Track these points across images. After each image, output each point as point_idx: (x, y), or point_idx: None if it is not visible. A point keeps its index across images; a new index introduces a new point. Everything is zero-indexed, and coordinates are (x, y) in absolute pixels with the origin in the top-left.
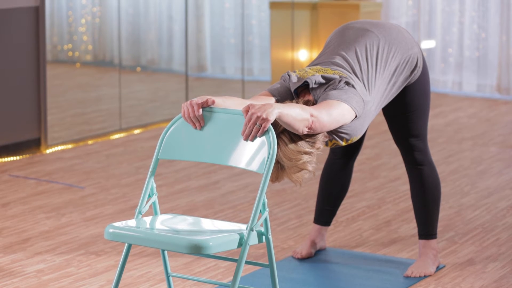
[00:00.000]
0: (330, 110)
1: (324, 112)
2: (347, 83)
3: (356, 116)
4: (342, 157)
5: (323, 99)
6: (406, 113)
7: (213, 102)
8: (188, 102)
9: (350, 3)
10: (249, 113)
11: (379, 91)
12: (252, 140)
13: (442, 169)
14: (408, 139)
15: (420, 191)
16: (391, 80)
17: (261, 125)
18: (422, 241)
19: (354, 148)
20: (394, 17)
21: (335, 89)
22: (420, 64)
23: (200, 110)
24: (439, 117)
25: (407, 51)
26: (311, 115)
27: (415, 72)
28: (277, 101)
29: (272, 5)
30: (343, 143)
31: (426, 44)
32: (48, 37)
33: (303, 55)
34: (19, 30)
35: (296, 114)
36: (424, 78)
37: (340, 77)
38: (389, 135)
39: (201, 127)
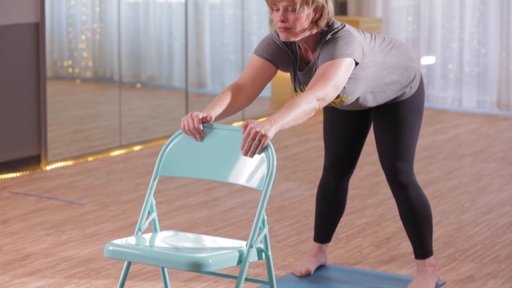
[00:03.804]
0: (335, 78)
1: (330, 86)
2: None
3: (357, 64)
4: (336, 176)
5: (327, 57)
6: (397, 130)
7: (211, 118)
8: (188, 115)
9: (350, 18)
10: (248, 128)
11: (374, 70)
12: (251, 156)
13: (442, 186)
14: (394, 161)
15: (408, 214)
16: (386, 69)
17: (260, 142)
18: (419, 260)
19: (348, 167)
20: (394, 33)
21: (338, 37)
22: (417, 80)
23: (201, 126)
24: (439, 133)
25: (408, 60)
26: (318, 99)
27: (411, 85)
28: (272, 63)
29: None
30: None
31: (426, 60)
32: (48, 53)
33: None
34: (19, 46)
35: (297, 117)
36: (419, 95)
37: (342, 23)
38: None
39: (202, 139)
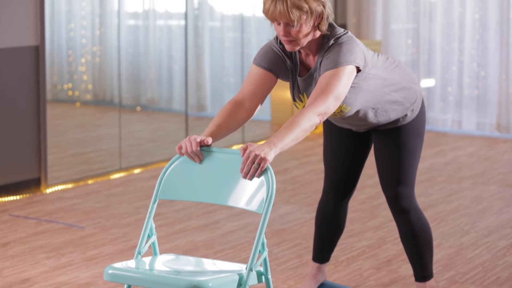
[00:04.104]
0: (336, 90)
1: (331, 99)
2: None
3: (359, 71)
4: (335, 199)
5: (329, 65)
6: (398, 155)
7: (209, 141)
8: (186, 138)
9: None
10: (247, 151)
11: (375, 84)
12: (251, 179)
13: (442, 208)
14: (396, 186)
15: (409, 237)
16: (389, 86)
17: (259, 165)
18: (420, 283)
19: (348, 190)
20: (393, 56)
21: (341, 43)
22: (419, 103)
23: (198, 148)
24: (438, 156)
25: (411, 82)
26: (319, 114)
27: (413, 107)
28: (271, 72)
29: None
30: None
31: (426, 83)
32: (48, 76)
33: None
34: (19, 69)
35: (297, 137)
36: (421, 119)
37: (344, 30)
38: None
39: (201, 161)
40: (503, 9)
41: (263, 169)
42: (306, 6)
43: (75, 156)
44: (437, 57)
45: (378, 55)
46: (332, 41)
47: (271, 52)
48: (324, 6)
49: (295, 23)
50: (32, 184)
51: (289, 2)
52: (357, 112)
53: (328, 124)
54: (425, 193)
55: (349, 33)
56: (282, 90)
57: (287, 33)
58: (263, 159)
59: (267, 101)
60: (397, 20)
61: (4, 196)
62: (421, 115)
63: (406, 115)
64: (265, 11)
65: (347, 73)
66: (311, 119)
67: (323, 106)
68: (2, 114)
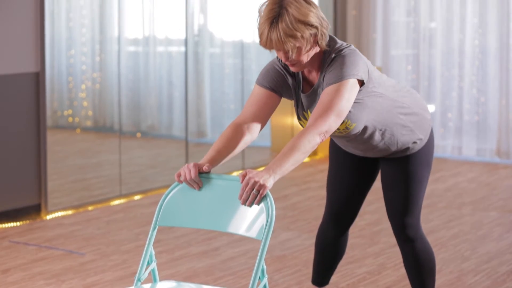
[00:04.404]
0: (337, 107)
1: (333, 117)
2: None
3: (363, 84)
4: (336, 226)
5: (331, 80)
6: (406, 185)
7: (208, 168)
8: (185, 165)
9: None
10: (246, 177)
11: (383, 103)
12: (250, 205)
13: (442, 234)
14: (403, 216)
15: (413, 265)
16: (398, 109)
17: (259, 192)
18: None
19: (349, 218)
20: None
21: (343, 55)
22: (428, 131)
23: (197, 175)
24: (439, 182)
25: (421, 108)
26: (320, 134)
27: (423, 136)
28: (274, 91)
29: None
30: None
31: None
32: (49, 102)
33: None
34: (20, 96)
35: (297, 160)
36: (430, 148)
37: (347, 43)
38: None
39: (200, 188)
40: (502, 36)
41: (262, 196)
42: (298, 34)
43: (75, 182)
44: (437, 83)
45: (387, 77)
46: (334, 54)
47: (273, 70)
48: (317, 26)
49: (290, 52)
50: (32, 210)
51: (282, 33)
52: (363, 132)
53: (334, 148)
54: (425, 219)
55: (352, 46)
56: (282, 116)
57: (287, 58)
58: (262, 186)
59: (267, 127)
60: (397, 46)
61: (4, 223)
62: (430, 144)
63: (415, 143)
64: (262, 44)
65: (349, 88)
66: (311, 140)
67: (324, 125)
68: (2, 140)
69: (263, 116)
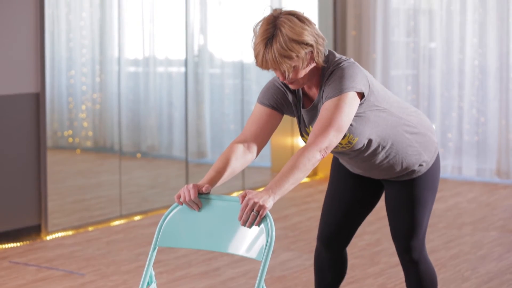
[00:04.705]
0: (337, 122)
1: (333, 132)
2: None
3: (363, 96)
4: (329, 248)
5: (331, 93)
6: (411, 208)
7: (208, 188)
8: (185, 186)
9: None
10: (246, 198)
11: (386, 119)
12: (250, 226)
13: (442, 255)
14: (408, 240)
15: (416, 287)
16: (403, 126)
17: (258, 212)
18: None
19: (345, 240)
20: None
21: (342, 68)
22: (435, 154)
23: (197, 196)
24: (439, 202)
25: (428, 130)
26: (320, 150)
27: (428, 158)
28: (275, 109)
29: None
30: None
31: None
32: (49, 123)
33: (302, 140)
34: (20, 116)
35: (297, 179)
36: (436, 171)
37: (346, 57)
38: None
39: (200, 209)
40: (502, 56)
41: (262, 216)
42: (294, 54)
43: (75, 203)
44: (436, 103)
45: (392, 93)
46: (332, 67)
47: (273, 88)
48: (312, 44)
49: (287, 72)
50: (32, 231)
51: (277, 54)
52: (367, 148)
53: (337, 166)
54: (426, 239)
55: (351, 59)
56: (282, 136)
57: (285, 78)
58: (262, 207)
59: (267, 147)
60: (396, 66)
61: (4, 243)
62: (436, 167)
63: (421, 165)
64: (258, 65)
65: (349, 102)
66: (311, 158)
67: (324, 142)
68: (2, 160)
69: (264, 135)
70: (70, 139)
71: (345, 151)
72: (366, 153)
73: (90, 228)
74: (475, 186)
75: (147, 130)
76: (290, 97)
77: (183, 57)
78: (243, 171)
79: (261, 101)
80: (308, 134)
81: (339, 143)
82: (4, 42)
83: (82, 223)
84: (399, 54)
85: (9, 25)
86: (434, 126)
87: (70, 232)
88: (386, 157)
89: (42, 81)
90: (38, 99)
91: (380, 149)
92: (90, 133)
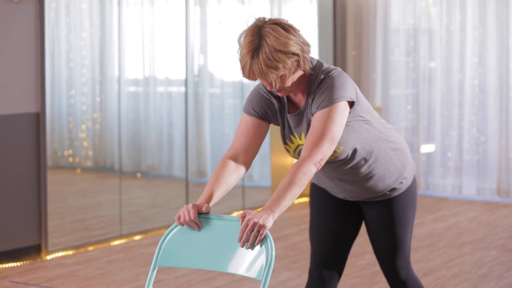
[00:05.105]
0: (330, 133)
1: (326, 144)
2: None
3: (352, 105)
4: (321, 281)
5: (323, 103)
6: (392, 228)
7: (208, 208)
8: (184, 207)
9: None
10: (246, 219)
11: (370, 131)
12: (251, 247)
13: (442, 274)
14: (392, 259)
15: None
16: (385, 142)
17: (259, 232)
18: None
19: (335, 270)
20: (393, 122)
21: (332, 77)
22: (412, 172)
23: (197, 217)
24: (439, 221)
25: (406, 148)
26: (315, 163)
27: (407, 175)
28: (262, 118)
29: None
30: None
31: (426, 149)
32: (49, 143)
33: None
34: (20, 136)
35: (295, 195)
36: (413, 189)
37: (334, 66)
38: None
39: (199, 229)
40: (502, 75)
41: (262, 236)
42: (280, 64)
43: (76, 222)
44: (437, 122)
45: (373, 109)
46: (322, 76)
47: (258, 95)
48: (298, 54)
49: (274, 83)
50: (32, 250)
51: (263, 65)
52: (351, 159)
53: (316, 195)
54: (425, 259)
55: (339, 68)
56: (282, 156)
57: (272, 87)
58: (262, 226)
59: (267, 167)
60: (396, 86)
61: (4, 263)
62: (414, 184)
63: (401, 182)
64: (245, 76)
65: (340, 112)
66: (307, 172)
67: (319, 154)
68: (2, 180)
69: (253, 146)
70: (70, 159)
71: (329, 161)
72: (349, 165)
73: (90, 248)
74: (475, 205)
75: (147, 150)
76: (275, 103)
77: (183, 76)
78: (243, 191)
79: (247, 110)
80: (291, 141)
81: None
82: (4, 62)
83: (82, 242)
84: (399, 73)
85: (9, 45)
86: (428, 145)
87: (70, 252)
88: (369, 172)
89: (42, 101)
90: (38, 119)
91: (363, 162)
92: (90, 153)
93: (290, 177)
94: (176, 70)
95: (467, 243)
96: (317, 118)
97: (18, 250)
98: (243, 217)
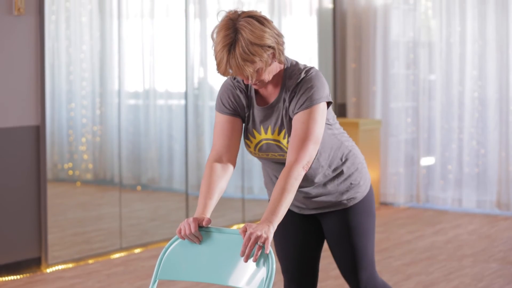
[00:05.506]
0: (313, 135)
1: (311, 146)
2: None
3: (329, 106)
4: None
5: (305, 104)
6: (352, 239)
7: (208, 221)
8: (185, 220)
9: (349, 121)
10: (248, 233)
11: (329, 136)
12: (255, 260)
13: (442, 287)
14: (356, 272)
15: None
16: (341, 149)
17: (263, 244)
18: None
19: (308, 283)
20: (393, 135)
21: (310, 78)
22: (369, 181)
23: (197, 231)
24: (439, 234)
25: (362, 160)
26: (303, 167)
27: (364, 184)
28: (233, 115)
29: None
30: None
31: (426, 161)
32: (49, 155)
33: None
34: (20, 149)
35: (289, 202)
36: (371, 197)
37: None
38: (388, 253)
39: (200, 242)
40: (502, 87)
41: (268, 248)
42: (256, 58)
43: (76, 235)
44: (436, 135)
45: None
46: (303, 74)
47: (227, 91)
48: (274, 46)
49: (250, 77)
50: (32, 263)
51: (240, 59)
52: (315, 162)
53: None
54: (425, 272)
55: (315, 67)
56: None
57: (249, 81)
58: (266, 239)
59: None
60: (396, 98)
61: (4, 276)
62: (371, 193)
63: (358, 192)
64: (221, 72)
65: (321, 112)
66: (298, 177)
67: (305, 157)
68: (2, 193)
69: (233, 143)
70: (70, 172)
71: (283, 161)
72: (314, 166)
73: (90, 261)
74: (476, 218)
75: (147, 163)
76: (242, 96)
77: (183, 89)
78: (243, 204)
79: (219, 109)
80: (254, 137)
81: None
82: (4, 75)
83: (82, 255)
84: (399, 86)
85: (9, 58)
86: (428, 158)
87: (70, 265)
88: (324, 177)
89: (42, 114)
90: (38, 132)
91: (320, 169)
92: (90, 166)
93: (283, 184)
94: (176, 83)
95: (467, 256)
96: (298, 120)
97: (18, 263)
98: (244, 231)
